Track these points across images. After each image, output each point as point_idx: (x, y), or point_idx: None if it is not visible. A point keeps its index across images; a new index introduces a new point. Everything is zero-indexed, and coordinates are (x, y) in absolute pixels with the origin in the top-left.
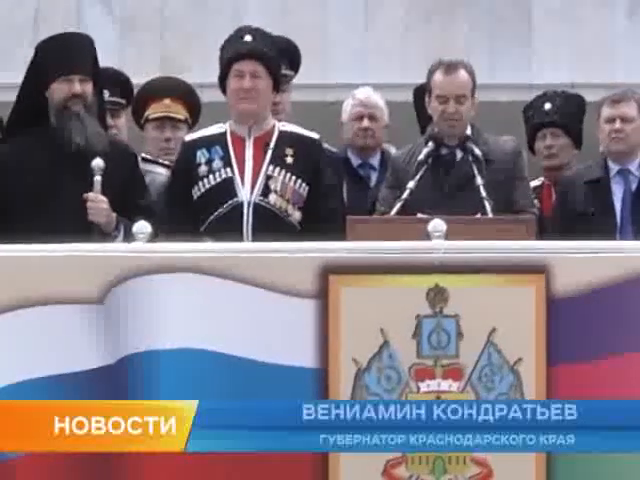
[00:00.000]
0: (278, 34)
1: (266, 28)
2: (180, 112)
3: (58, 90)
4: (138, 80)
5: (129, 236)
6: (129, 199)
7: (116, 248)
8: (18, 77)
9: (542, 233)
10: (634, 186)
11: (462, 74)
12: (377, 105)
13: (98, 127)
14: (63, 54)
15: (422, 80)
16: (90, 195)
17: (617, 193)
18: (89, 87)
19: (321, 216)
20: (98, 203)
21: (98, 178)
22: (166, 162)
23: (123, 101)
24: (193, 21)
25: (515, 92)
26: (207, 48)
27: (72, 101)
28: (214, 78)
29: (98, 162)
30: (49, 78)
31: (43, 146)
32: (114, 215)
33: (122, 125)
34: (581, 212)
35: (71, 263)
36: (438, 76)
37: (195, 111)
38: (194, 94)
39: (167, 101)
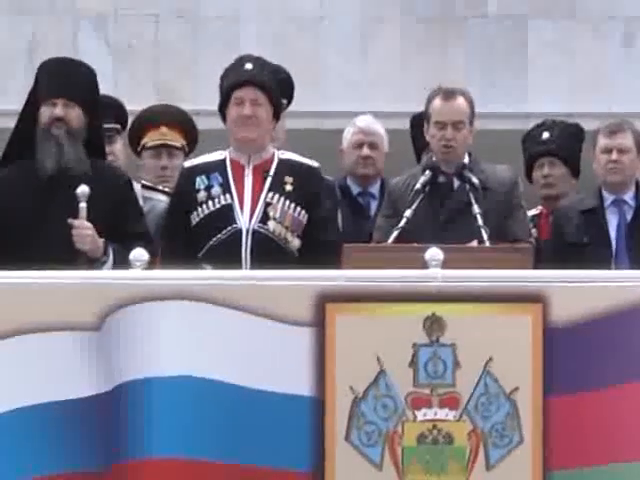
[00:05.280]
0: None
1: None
2: (177, 140)
3: (43, 114)
4: (133, 108)
5: (120, 261)
6: (122, 224)
7: (113, 275)
8: (13, 105)
9: (539, 262)
10: (629, 216)
11: (460, 101)
12: (378, 133)
13: (81, 153)
14: (51, 78)
15: (418, 109)
16: (75, 222)
17: (612, 223)
18: (75, 112)
19: (315, 247)
20: (82, 230)
21: (83, 205)
22: (166, 189)
23: (118, 126)
24: (188, 49)
25: (511, 121)
26: (202, 76)
27: (54, 125)
28: (209, 106)
29: (83, 189)
30: (39, 103)
31: (27, 174)
32: (101, 241)
33: (118, 151)
34: (574, 242)
35: (67, 290)
36: (437, 102)
37: (192, 139)
38: (191, 121)
39: (164, 129)
